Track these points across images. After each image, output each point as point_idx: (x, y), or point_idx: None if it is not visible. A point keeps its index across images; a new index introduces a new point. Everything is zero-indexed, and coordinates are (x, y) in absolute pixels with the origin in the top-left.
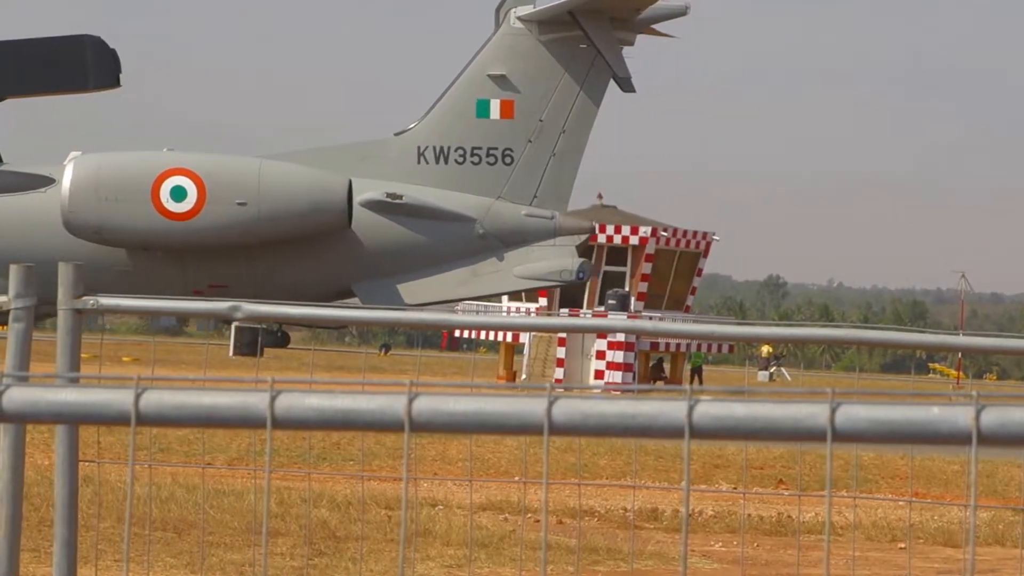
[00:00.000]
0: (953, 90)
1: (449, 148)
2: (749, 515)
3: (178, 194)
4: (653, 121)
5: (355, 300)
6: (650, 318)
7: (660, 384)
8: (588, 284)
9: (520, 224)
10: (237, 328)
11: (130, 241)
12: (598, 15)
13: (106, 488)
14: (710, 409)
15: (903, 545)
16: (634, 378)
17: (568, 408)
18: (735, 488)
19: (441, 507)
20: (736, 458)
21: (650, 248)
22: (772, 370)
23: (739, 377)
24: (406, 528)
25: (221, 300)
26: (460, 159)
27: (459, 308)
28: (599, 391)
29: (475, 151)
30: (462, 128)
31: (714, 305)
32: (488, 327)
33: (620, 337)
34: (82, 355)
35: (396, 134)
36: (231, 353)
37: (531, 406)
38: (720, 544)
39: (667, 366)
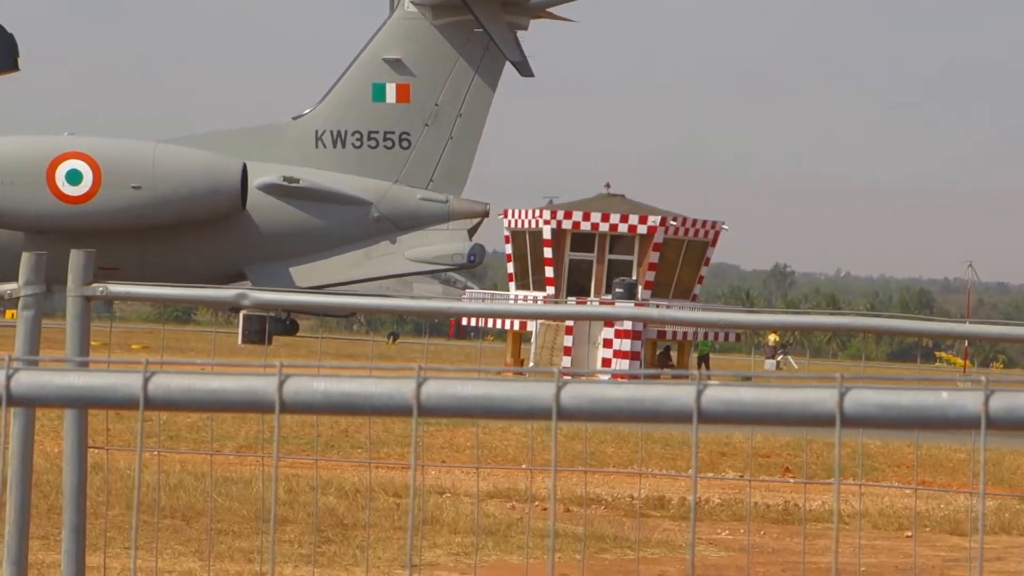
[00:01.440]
0: (959, 86)
1: (346, 132)
2: (755, 503)
3: (74, 177)
4: (660, 110)
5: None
6: (657, 307)
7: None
8: (594, 272)
9: (415, 208)
10: (245, 316)
11: (27, 224)
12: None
13: (115, 475)
14: (719, 394)
15: (909, 533)
16: (641, 366)
17: (576, 393)
18: (741, 476)
19: (448, 495)
20: (743, 446)
21: (658, 237)
22: (779, 358)
23: (746, 365)
24: (414, 517)
25: (228, 288)
26: (357, 143)
27: (467, 296)
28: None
29: (372, 135)
30: (359, 112)
31: (722, 294)
32: (496, 315)
33: (627, 325)
34: (91, 343)
35: (294, 118)
36: (240, 341)
37: (540, 391)
38: (727, 532)
39: (674, 354)
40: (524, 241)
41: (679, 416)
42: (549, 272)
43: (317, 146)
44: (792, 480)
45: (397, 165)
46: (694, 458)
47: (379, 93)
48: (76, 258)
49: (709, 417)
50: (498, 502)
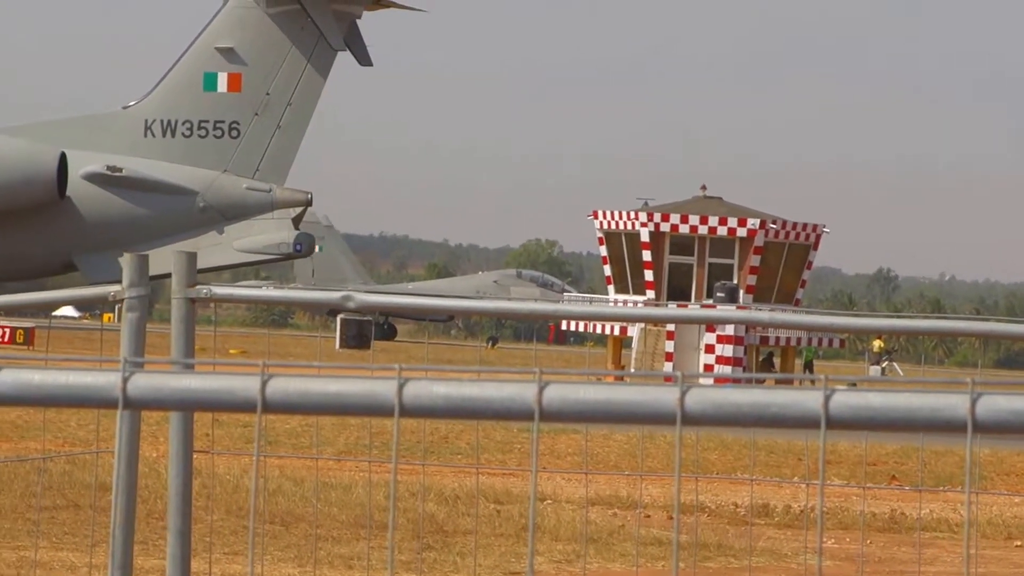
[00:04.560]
0: None
1: (176, 121)
2: (861, 511)
3: None
4: (761, 113)
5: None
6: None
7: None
8: (695, 276)
9: (241, 197)
10: (343, 320)
11: None
12: None
13: (214, 480)
14: (846, 399)
15: (1019, 543)
16: (744, 372)
17: (701, 397)
18: (848, 483)
19: (550, 502)
20: (848, 454)
21: (759, 240)
22: (884, 365)
23: (851, 372)
24: (513, 523)
25: (333, 290)
26: (187, 132)
27: (566, 299)
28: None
29: (202, 124)
30: (189, 101)
31: (823, 299)
32: (601, 318)
33: (730, 331)
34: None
35: (124, 108)
36: (337, 346)
37: (663, 395)
38: (832, 541)
39: (777, 360)
40: (620, 243)
41: (806, 422)
42: (649, 276)
43: (146, 135)
44: (907, 488)
45: (226, 154)
46: (821, 465)
47: (210, 82)
48: (179, 260)
49: (837, 423)
50: (600, 509)
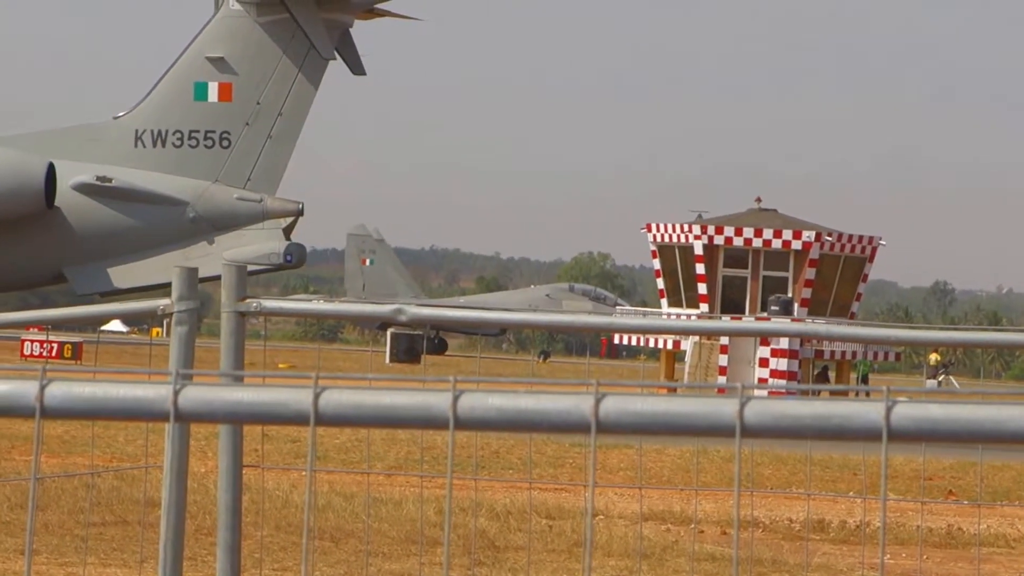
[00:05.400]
0: None
1: (167, 131)
2: (917, 526)
3: None
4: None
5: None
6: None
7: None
8: (749, 289)
9: (232, 208)
10: (393, 335)
11: None
12: None
13: (264, 496)
14: (908, 410)
15: None
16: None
17: (761, 409)
18: (904, 498)
19: (602, 517)
20: (905, 468)
21: (814, 253)
22: (940, 378)
23: (908, 385)
24: (566, 538)
25: (385, 303)
26: (178, 142)
27: (619, 312)
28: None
29: (193, 134)
30: (180, 111)
31: (879, 312)
32: (654, 331)
33: (784, 344)
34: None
35: (115, 118)
36: (387, 360)
37: (722, 407)
38: (889, 556)
39: (832, 374)
40: (674, 256)
41: (867, 434)
42: (702, 289)
43: (137, 145)
44: (966, 502)
45: (216, 165)
46: (883, 478)
47: (201, 92)
48: (228, 273)
49: (898, 434)
50: (653, 524)
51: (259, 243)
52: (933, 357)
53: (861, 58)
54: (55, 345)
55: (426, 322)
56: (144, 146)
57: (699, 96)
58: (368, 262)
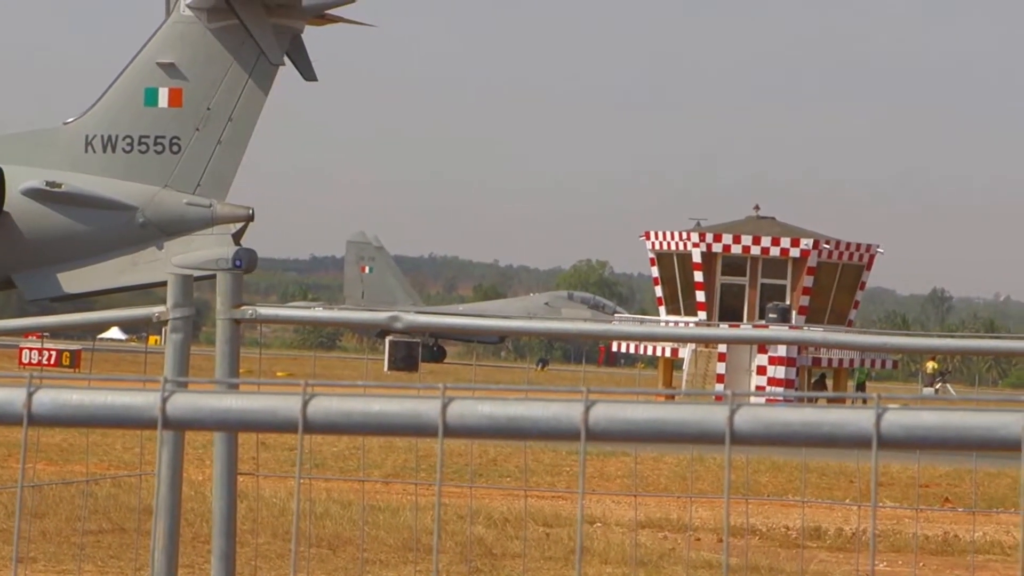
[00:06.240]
0: None
1: (117, 137)
2: (913, 534)
3: None
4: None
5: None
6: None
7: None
8: (747, 297)
9: (181, 213)
10: (392, 342)
11: None
12: (251, 2)
13: (260, 503)
14: (898, 418)
15: None
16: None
17: (751, 416)
18: (900, 505)
19: (599, 524)
20: (901, 475)
21: (812, 261)
22: (937, 386)
23: (905, 393)
24: (562, 546)
25: (381, 311)
26: (128, 148)
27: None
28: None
29: (143, 140)
30: (130, 117)
31: (877, 320)
32: (650, 339)
33: (782, 352)
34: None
35: (65, 123)
36: (386, 368)
37: (713, 415)
38: (884, 563)
39: (829, 382)
40: (672, 264)
41: (857, 441)
42: (700, 296)
43: (87, 151)
44: (961, 509)
45: (166, 170)
46: (873, 486)
47: (151, 98)
48: (224, 280)
49: (889, 441)
50: (650, 532)
51: (208, 248)
52: (930, 365)
53: (860, 66)
54: (53, 353)
55: (422, 330)
56: (94, 151)
57: (697, 104)
58: (367, 269)
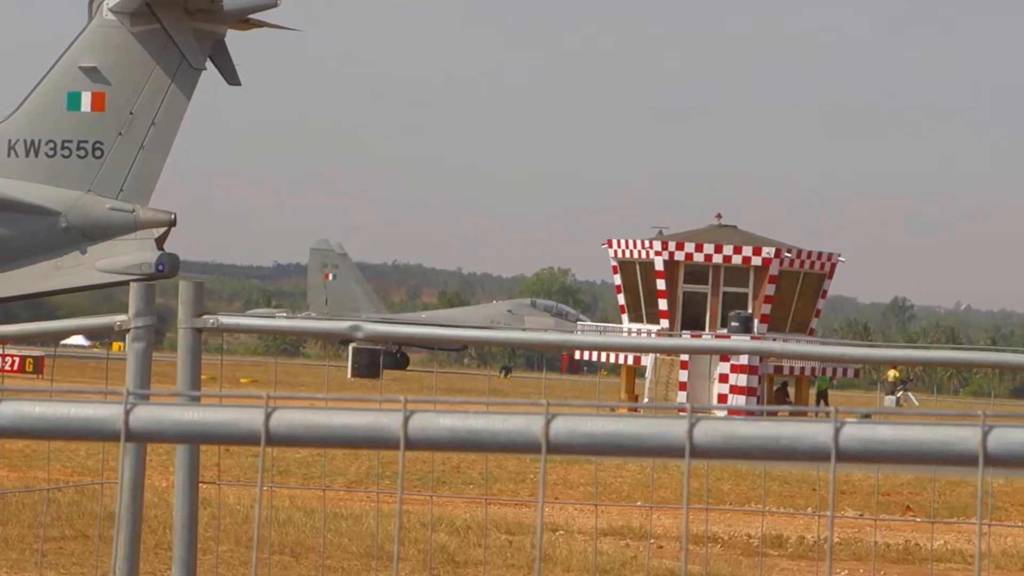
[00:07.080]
0: None
1: (40, 141)
2: (875, 542)
3: None
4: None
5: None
6: (774, 340)
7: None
8: (709, 305)
9: (104, 218)
10: (355, 349)
11: None
12: (172, 6)
13: (223, 511)
14: (857, 432)
15: None
16: (759, 402)
17: (710, 430)
18: (861, 515)
19: (562, 532)
20: (863, 484)
21: (773, 269)
22: (899, 395)
23: (866, 402)
24: (525, 554)
25: (342, 320)
26: (51, 152)
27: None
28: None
29: (66, 144)
30: (53, 121)
31: (838, 328)
32: (611, 348)
33: (744, 360)
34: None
35: None
36: (349, 375)
37: (672, 428)
38: (846, 572)
39: (791, 390)
40: (634, 272)
41: (816, 455)
42: (663, 305)
43: (9, 155)
44: (917, 519)
45: (89, 174)
46: (831, 498)
47: (74, 102)
48: (186, 289)
49: (847, 455)
50: (612, 540)
51: (132, 253)
52: (892, 373)
53: (822, 74)
54: (16, 359)
55: (383, 339)
56: (17, 155)
57: (659, 111)
58: (331, 277)
